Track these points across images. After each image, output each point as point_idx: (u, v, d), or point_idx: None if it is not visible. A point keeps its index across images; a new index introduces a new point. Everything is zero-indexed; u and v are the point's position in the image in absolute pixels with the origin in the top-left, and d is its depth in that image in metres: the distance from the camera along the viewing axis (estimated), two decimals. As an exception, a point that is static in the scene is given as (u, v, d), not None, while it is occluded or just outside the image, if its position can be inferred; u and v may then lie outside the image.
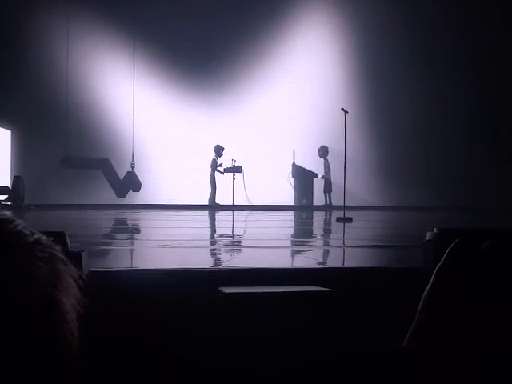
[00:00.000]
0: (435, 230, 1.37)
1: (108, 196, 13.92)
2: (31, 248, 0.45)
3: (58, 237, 1.34)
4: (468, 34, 13.92)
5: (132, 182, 13.73)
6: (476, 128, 14.21)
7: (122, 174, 14.06)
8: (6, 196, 11.96)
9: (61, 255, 0.47)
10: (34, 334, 0.42)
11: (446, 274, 0.35)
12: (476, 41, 13.90)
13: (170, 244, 5.55)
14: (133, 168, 13.96)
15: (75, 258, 1.35)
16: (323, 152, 14.37)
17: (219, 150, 13.94)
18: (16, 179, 12.81)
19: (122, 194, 13.49)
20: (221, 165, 13.79)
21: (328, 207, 13.40)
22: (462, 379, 0.33)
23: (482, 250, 0.36)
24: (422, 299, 0.37)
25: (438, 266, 0.36)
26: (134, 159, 14.12)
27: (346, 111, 9.68)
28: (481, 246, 0.37)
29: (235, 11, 14.36)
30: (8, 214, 0.46)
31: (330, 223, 9.73)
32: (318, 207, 13.59)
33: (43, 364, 0.42)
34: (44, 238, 0.47)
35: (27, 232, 0.45)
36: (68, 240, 1.35)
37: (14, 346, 0.40)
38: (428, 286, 0.36)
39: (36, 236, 0.46)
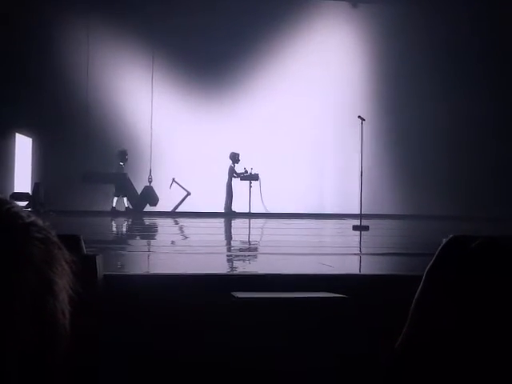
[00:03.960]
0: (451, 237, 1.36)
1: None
2: (27, 228, 0.46)
3: (74, 240, 1.36)
4: (491, 41, 13.78)
5: (149, 197, 13.81)
6: (496, 137, 14.02)
7: (139, 188, 14.09)
8: (27, 202, 12.15)
9: (55, 239, 0.48)
10: (29, 311, 0.43)
11: (437, 273, 0.35)
12: (498, 47, 13.74)
13: (185, 250, 5.57)
14: (150, 182, 14.04)
15: (90, 261, 1.37)
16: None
17: (235, 157, 13.99)
18: (36, 186, 13.01)
19: (139, 208, 13.61)
20: (246, 171, 13.80)
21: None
22: (454, 376, 0.33)
23: (473, 248, 0.36)
24: (414, 299, 0.36)
25: (428, 266, 0.36)
26: (152, 174, 14.22)
27: (362, 119, 9.63)
28: (471, 244, 0.37)
29: (252, 22, 14.44)
30: (4, 196, 0.47)
31: (344, 231, 9.66)
32: (334, 215, 13.51)
33: (36, 341, 0.43)
34: (40, 220, 0.48)
35: (23, 214, 0.47)
36: (83, 243, 1.37)
37: (10, 322, 0.41)
38: (420, 287, 0.36)
39: (32, 218, 0.47)
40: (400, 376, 0.34)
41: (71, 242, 1.46)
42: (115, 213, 13.11)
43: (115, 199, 13.68)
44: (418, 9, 14.06)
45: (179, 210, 13.83)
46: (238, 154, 13.96)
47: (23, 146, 13.90)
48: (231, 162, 14.04)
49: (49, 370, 0.44)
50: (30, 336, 0.43)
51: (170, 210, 13.70)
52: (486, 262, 0.35)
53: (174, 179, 13.92)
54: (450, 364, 0.33)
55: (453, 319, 0.34)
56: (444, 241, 0.36)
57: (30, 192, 13.05)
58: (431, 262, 0.36)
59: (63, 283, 0.47)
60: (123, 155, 13.90)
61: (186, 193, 13.95)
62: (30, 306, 0.43)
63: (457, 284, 0.34)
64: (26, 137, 13.94)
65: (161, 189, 13.93)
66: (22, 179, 13.60)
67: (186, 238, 8.95)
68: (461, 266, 0.35)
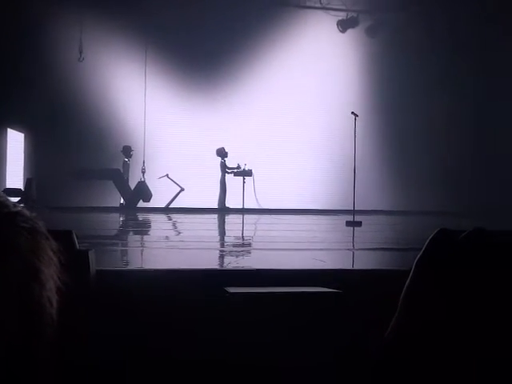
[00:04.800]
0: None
1: (118, 199, 14.01)
2: (13, 218, 0.46)
3: (66, 235, 1.35)
4: (482, 42, 13.83)
5: (143, 192, 13.78)
6: (489, 131, 14.10)
7: (133, 183, 14.05)
8: (19, 198, 12.08)
9: (43, 229, 0.48)
10: (15, 300, 0.43)
11: (425, 265, 0.36)
12: (491, 45, 13.79)
13: (178, 246, 5.56)
14: (143, 173, 14.00)
15: (83, 257, 1.36)
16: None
17: (222, 152, 13.97)
18: (29, 181, 12.94)
19: (132, 203, 13.59)
20: (239, 167, 13.80)
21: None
22: (442, 367, 0.33)
23: (461, 240, 0.36)
24: (403, 291, 0.37)
25: (417, 258, 0.36)
26: (145, 165, 14.18)
27: (356, 115, 9.65)
28: (459, 236, 0.37)
29: (244, 17, 14.40)
30: None
31: (337, 227, 9.70)
32: (327, 211, 13.55)
33: (22, 330, 0.43)
34: (26, 211, 0.48)
35: (9, 203, 0.47)
36: (75, 238, 1.36)
37: None
38: (409, 278, 0.37)
39: (18, 208, 0.47)
40: (388, 366, 0.34)
41: (63, 237, 1.46)
42: (122, 209, 13.17)
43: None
44: (415, 9, 14.06)
45: (173, 205, 13.81)
46: (224, 148, 13.94)
47: (15, 142, 13.81)
48: (220, 157, 14.02)
49: (35, 361, 0.43)
50: (17, 326, 0.43)
51: (163, 205, 13.69)
52: (473, 253, 0.35)
53: (167, 175, 13.90)
54: (438, 355, 0.33)
55: (441, 310, 0.34)
56: (433, 233, 0.37)
57: (22, 188, 12.98)
58: (420, 254, 0.37)
59: (50, 272, 0.47)
60: (128, 151, 13.90)
61: (179, 189, 13.93)
62: (16, 295, 0.43)
63: (445, 275, 0.34)
64: (18, 132, 13.84)
65: (154, 185, 13.90)
66: (14, 175, 13.52)
67: (180, 233, 8.95)
68: (449, 257, 0.35)
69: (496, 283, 0.34)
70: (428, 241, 0.37)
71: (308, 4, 15.28)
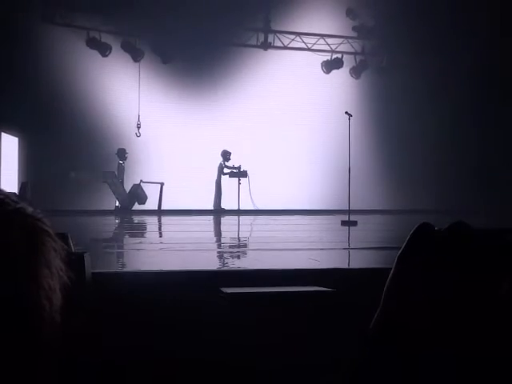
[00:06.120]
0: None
1: (113, 202, 13.97)
2: (10, 217, 0.45)
3: (61, 238, 1.36)
4: (474, 36, 13.87)
5: (138, 195, 13.77)
6: (484, 129, 14.16)
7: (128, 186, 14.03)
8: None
9: (45, 226, 0.47)
10: (12, 299, 0.42)
11: (407, 258, 0.36)
12: (484, 47, 13.84)
13: (173, 247, 5.56)
14: (139, 128, 14.00)
15: (78, 259, 1.36)
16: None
17: (226, 155, 14.00)
18: (23, 185, 12.90)
19: (127, 206, 13.57)
20: (235, 168, 13.83)
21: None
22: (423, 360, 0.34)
23: (442, 232, 0.37)
24: (385, 286, 0.38)
25: (399, 252, 0.37)
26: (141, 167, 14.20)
27: (349, 115, 9.68)
28: (441, 228, 0.38)
29: (238, 17, 14.41)
30: None
31: (332, 227, 9.71)
32: (323, 211, 13.57)
33: (20, 328, 0.42)
34: (29, 208, 0.47)
35: (10, 200, 0.46)
36: (71, 241, 1.37)
37: None
38: (391, 272, 0.37)
39: (18, 205, 0.46)
40: (370, 357, 0.35)
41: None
42: (118, 212, 13.14)
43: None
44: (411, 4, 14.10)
45: (168, 207, 13.79)
46: (230, 153, 13.99)
47: (9, 146, 13.76)
48: (222, 159, 14.03)
49: (35, 361, 0.43)
50: (15, 326, 0.42)
51: (156, 207, 13.68)
52: (454, 245, 0.36)
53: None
54: (423, 345, 0.34)
55: (422, 301, 0.35)
56: (415, 226, 0.38)
57: (16, 192, 12.93)
58: (402, 248, 0.38)
59: (51, 271, 0.46)
60: (122, 153, 13.91)
61: (159, 184, 13.88)
62: (12, 296, 0.42)
63: (426, 267, 0.35)
64: (12, 136, 13.80)
65: (149, 187, 13.89)
66: (9, 179, 13.46)
67: (175, 235, 8.94)
68: (430, 249, 0.36)
69: (475, 275, 0.35)
70: (410, 234, 0.38)
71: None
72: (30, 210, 0.48)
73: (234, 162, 13.99)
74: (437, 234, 0.37)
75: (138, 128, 14.12)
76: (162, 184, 13.87)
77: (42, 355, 0.43)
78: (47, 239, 0.47)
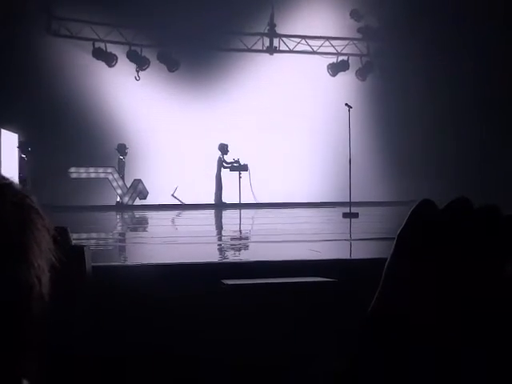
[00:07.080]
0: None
1: (114, 197, 13.98)
2: (2, 191, 0.45)
3: (60, 232, 1.35)
4: (475, 25, 13.80)
5: (139, 190, 13.79)
6: (484, 121, 14.13)
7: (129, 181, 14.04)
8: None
9: (34, 204, 0.47)
10: (2, 271, 0.41)
11: (407, 236, 0.36)
12: (482, 40, 13.77)
13: (175, 241, 5.56)
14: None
15: (78, 253, 1.36)
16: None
17: (224, 148, 13.98)
18: (22, 181, 12.90)
19: (128, 201, 13.60)
20: (238, 161, 13.85)
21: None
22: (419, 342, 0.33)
23: (443, 209, 0.36)
24: (385, 266, 0.37)
25: (399, 230, 0.36)
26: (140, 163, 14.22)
27: (350, 106, 9.65)
28: (442, 206, 0.37)
29: (239, 14, 14.35)
30: None
31: (334, 219, 9.72)
32: (324, 203, 13.57)
33: (8, 304, 0.42)
34: (17, 184, 0.47)
35: None
36: (70, 235, 1.36)
37: None
38: (391, 251, 0.37)
39: (8, 181, 0.46)
40: (368, 341, 0.35)
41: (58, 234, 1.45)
42: (119, 207, 13.19)
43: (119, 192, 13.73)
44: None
45: (169, 202, 13.81)
46: (227, 145, 13.96)
47: (9, 142, 13.75)
48: (220, 153, 14.02)
49: (23, 341, 0.42)
50: (4, 303, 0.42)
51: (159, 202, 13.69)
52: (455, 222, 0.35)
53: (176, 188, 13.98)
54: (425, 326, 0.34)
55: (422, 281, 0.34)
56: (415, 204, 0.37)
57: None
58: (402, 226, 0.37)
59: (40, 249, 0.46)
60: (123, 149, 13.91)
61: (175, 187, 13.96)
62: (3, 270, 0.42)
63: (426, 246, 0.34)
64: (12, 133, 13.79)
65: (149, 182, 13.89)
66: (9, 175, 13.45)
67: (176, 229, 8.94)
68: (430, 227, 0.35)
69: (477, 256, 0.34)
70: (410, 212, 0.37)
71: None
72: (19, 186, 0.47)
73: (234, 155, 13.97)
74: (437, 211, 0.37)
75: (138, 72, 14.15)
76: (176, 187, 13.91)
77: (29, 336, 0.43)
78: (36, 216, 0.46)
